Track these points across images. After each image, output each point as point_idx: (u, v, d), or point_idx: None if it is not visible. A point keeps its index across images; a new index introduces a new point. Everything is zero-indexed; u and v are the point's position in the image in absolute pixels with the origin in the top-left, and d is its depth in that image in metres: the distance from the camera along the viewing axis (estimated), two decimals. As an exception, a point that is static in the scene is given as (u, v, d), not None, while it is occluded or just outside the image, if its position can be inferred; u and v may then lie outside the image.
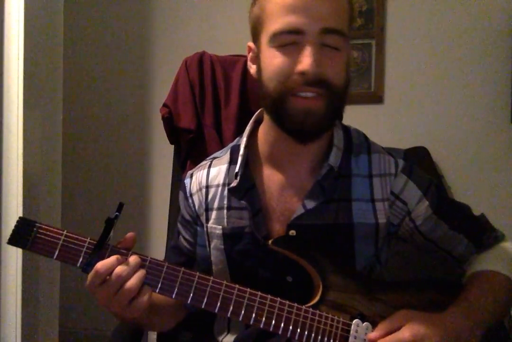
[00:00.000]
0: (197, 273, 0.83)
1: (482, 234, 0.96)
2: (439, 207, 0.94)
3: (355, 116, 2.05)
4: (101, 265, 0.77)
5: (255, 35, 0.90)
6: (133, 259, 0.79)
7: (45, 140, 1.70)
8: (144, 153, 2.51)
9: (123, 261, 0.79)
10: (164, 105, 1.48)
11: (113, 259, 0.78)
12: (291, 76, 0.83)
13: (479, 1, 2.12)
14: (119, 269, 0.77)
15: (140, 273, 0.79)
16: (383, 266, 0.97)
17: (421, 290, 0.90)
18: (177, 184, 1.51)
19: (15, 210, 1.60)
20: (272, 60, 0.85)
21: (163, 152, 2.32)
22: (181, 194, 1.04)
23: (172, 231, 1.46)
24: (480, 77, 2.13)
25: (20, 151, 1.60)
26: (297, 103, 0.84)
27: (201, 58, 1.47)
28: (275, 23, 0.84)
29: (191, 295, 0.81)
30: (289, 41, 0.83)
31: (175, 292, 0.81)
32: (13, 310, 1.61)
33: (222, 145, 1.44)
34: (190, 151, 1.47)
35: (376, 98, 2.21)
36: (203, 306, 0.81)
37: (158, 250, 2.36)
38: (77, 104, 2.51)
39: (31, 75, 1.63)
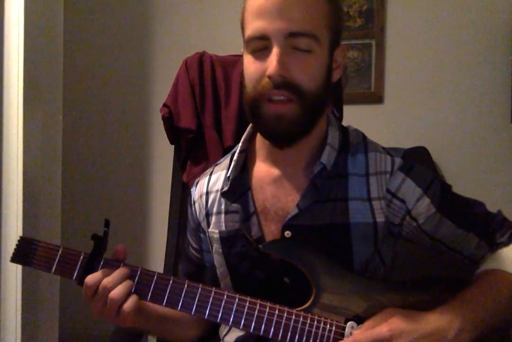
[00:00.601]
0: (186, 281, 0.85)
1: (496, 231, 0.92)
2: (444, 205, 0.92)
3: (355, 116, 2.06)
4: (89, 278, 0.82)
5: (243, 41, 0.91)
6: (119, 270, 0.84)
7: (45, 140, 1.70)
8: (144, 153, 2.51)
9: (110, 273, 0.83)
10: (164, 105, 1.48)
11: (99, 272, 0.83)
12: (261, 81, 0.84)
13: (479, 1, 2.12)
14: (105, 281, 0.82)
15: (126, 283, 0.83)
16: (388, 267, 0.96)
17: (424, 289, 0.89)
18: (177, 184, 1.51)
19: (15, 209, 1.60)
20: (248, 67, 0.87)
21: (163, 152, 2.32)
22: (188, 202, 1.07)
23: (172, 231, 1.47)
24: (480, 77, 2.13)
25: (20, 151, 1.60)
26: (270, 109, 0.84)
27: (201, 58, 1.47)
28: (247, 30, 0.86)
29: (180, 302, 0.83)
30: (259, 46, 0.84)
31: (165, 300, 0.84)
32: (13, 310, 1.61)
33: (222, 145, 1.44)
34: (190, 151, 1.47)
35: (376, 98, 2.21)
36: (192, 313, 0.83)
37: (158, 249, 2.36)
38: (77, 104, 2.51)
39: (31, 75, 1.63)
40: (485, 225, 0.93)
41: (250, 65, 0.86)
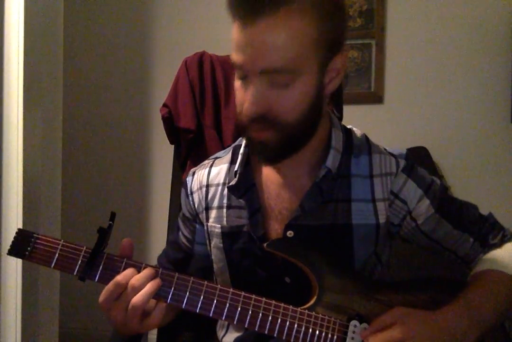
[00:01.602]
0: (191, 278, 0.83)
1: (489, 233, 0.95)
2: (442, 206, 0.94)
3: (355, 116, 2.06)
4: (120, 277, 0.79)
5: None
6: (145, 271, 0.81)
7: (45, 140, 1.70)
8: (144, 153, 2.51)
9: (135, 273, 0.80)
10: (164, 105, 1.48)
11: (126, 271, 0.80)
12: (241, 112, 0.83)
13: (479, 2, 2.12)
14: (133, 280, 0.79)
15: (153, 283, 0.80)
16: (385, 266, 0.97)
17: (422, 289, 0.90)
18: (177, 183, 1.51)
19: (15, 210, 1.60)
20: (236, 92, 0.85)
21: (163, 152, 2.33)
22: (182, 191, 1.05)
23: (172, 231, 1.47)
24: (480, 77, 2.13)
25: (20, 151, 1.60)
26: (252, 135, 0.85)
27: (201, 58, 1.47)
28: (231, 54, 0.82)
29: (185, 299, 0.82)
30: (241, 75, 0.82)
31: (169, 298, 0.82)
32: (13, 310, 1.61)
33: (222, 145, 1.44)
34: (190, 151, 1.47)
35: (376, 98, 2.22)
36: (197, 311, 0.82)
37: (158, 249, 2.36)
38: (77, 104, 2.51)
39: (31, 75, 1.63)
40: (479, 227, 0.95)
41: (237, 91, 0.85)
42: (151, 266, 0.83)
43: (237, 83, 0.84)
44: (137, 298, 0.78)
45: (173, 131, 1.48)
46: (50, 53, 1.73)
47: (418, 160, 0.96)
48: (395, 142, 2.06)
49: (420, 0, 2.19)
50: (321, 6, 0.77)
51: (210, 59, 1.47)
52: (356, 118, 2.10)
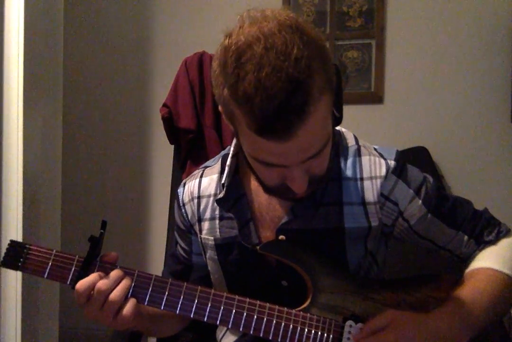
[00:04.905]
0: (185, 283, 0.84)
1: (483, 229, 0.94)
2: (434, 205, 0.93)
3: (355, 116, 2.06)
4: (79, 284, 0.80)
5: (227, 115, 0.78)
6: (114, 272, 0.82)
7: (45, 140, 1.70)
8: (144, 153, 2.51)
9: (103, 276, 0.81)
10: (164, 105, 1.48)
11: (91, 276, 0.81)
12: (281, 183, 0.79)
13: (479, 1, 2.12)
14: (100, 284, 0.80)
15: (123, 285, 0.81)
16: (381, 266, 0.97)
17: (418, 287, 0.89)
18: (177, 184, 1.51)
19: (14, 210, 1.60)
20: (257, 168, 0.81)
21: (163, 152, 2.32)
22: (175, 203, 1.04)
23: (172, 231, 1.47)
24: (480, 77, 2.13)
25: (20, 151, 1.60)
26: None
27: (201, 58, 1.48)
28: (251, 148, 0.76)
29: (179, 305, 0.82)
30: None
31: (163, 304, 0.82)
32: (13, 310, 1.61)
33: (222, 146, 1.44)
34: (190, 151, 1.47)
35: (376, 98, 2.21)
36: (191, 316, 0.82)
37: (158, 249, 2.36)
38: (77, 104, 2.51)
39: (31, 75, 1.63)
40: (474, 224, 0.94)
41: (262, 170, 0.80)
42: (145, 273, 0.84)
43: (258, 165, 0.79)
44: (111, 296, 0.79)
45: (173, 131, 1.48)
46: (50, 53, 1.73)
47: (418, 161, 0.95)
48: (395, 142, 2.06)
49: (420, 0, 2.19)
50: (327, 72, 0.72)
51: (209, 59, 1.47)
52: (356, 118, 2.10)
